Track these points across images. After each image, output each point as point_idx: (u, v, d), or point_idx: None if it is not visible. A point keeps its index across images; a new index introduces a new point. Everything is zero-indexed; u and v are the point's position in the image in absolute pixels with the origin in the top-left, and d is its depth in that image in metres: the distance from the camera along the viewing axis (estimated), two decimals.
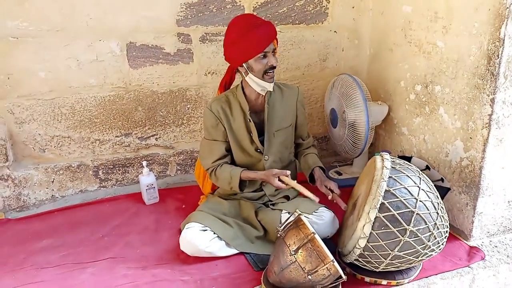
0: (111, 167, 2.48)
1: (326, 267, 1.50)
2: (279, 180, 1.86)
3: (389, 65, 2.44)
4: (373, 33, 2.60)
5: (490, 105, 1.77)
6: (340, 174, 2.58)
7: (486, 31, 1.73)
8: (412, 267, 1.73)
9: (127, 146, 2.49)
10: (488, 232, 1.99)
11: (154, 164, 2.55)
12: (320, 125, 2.80)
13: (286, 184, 1.85)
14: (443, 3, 1.95)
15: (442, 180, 2.04)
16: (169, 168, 2.59)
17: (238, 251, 1.88)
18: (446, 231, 1.66)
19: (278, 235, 1.62)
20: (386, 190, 1.54)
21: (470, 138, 1.89)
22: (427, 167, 2.13)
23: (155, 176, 2.54)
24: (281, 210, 1.95)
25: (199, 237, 1.80)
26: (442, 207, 1.64)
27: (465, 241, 1.97)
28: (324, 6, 2.54)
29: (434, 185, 1.90)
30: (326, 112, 2.56)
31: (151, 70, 2.39)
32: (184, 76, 2.45)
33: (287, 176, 1.85)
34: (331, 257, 1.50)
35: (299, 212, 1.64)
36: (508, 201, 1.96)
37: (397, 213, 1.52)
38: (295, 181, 1.85)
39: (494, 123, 1.78)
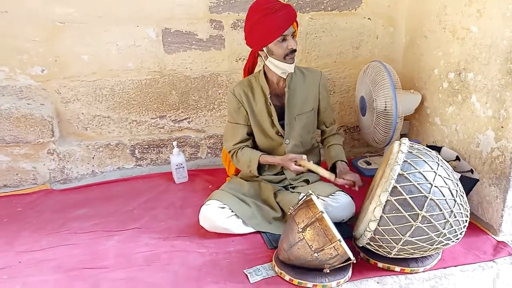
0: (146, 147, 2.63)
1: (333, 246, 1.51)
2: (296, 164, 1.88)
3: (424, 53, 2.37)
4: (409, 20, 2.52)
5: None
6: (369, 164, 2.55)
7: None
8: (429, 256, 1.69)
9: (162, 128, 2.62)
10: None
11: (186, 146, 2.66)
12: (352, 114, 2.77)
13: (304, 167, 1.87)
14: None
15: (472, 171, 1.96)
16: (200, 150, 2.69)
17: (254, 230, 1.93)
18: (466, 220, 1.60)
19: (289, 213, 1.65)
20: (399, 174, 1.52)
21: (502, 127, 1.80)
22: (457, 158, 2.05)
23: (187, 158, 2.66)
24: (300, 193, 1.97)
25: (216, 213, 1.87)
26: (461, 195, 1.58)
27: (493, 236, 1.88)
28: None
29: (463, 176, 1.84)
30: (356, 100, 2.53)
31: (185, 56, 2.49)
32: (216, 62, 2.53)
33: (303, 160, 1.87)
34: (338, 236, 1.50)
35: (311, 192, 1.65)
36: None
37: (410, 197, 1.49)
38: (311, 162, 1.87)
39: None
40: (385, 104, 2.22)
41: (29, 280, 1.65)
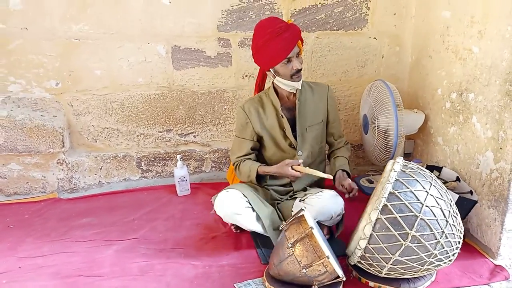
0: (153, 159, 2.69)
1: (322, 263, 1.51)
2: (292, 169, 1.90)
3: (429, 72, 2.37)
4: (415, 40, 2.54)
5: None
6: (371, 182, 2.53)
7: None
8: (422, 277, 1.66)
9: (168, 141, 2.68)
10: None
11: (191, 159, 2.72)
12: (357, 132, 2.77)
13: (300, 172, 1.89)
14: (480, 7, 1.88)
15: (471, 193, 1.93)
16: (205, 164, 2.74)
17: (261, 231, 1.93)
18: (458, 242, 1.58)
19: (280, 228, 1.66)
20: (390, 192, 1.52)
21: (500, 148, 1.77)
22: (458, 179, 2.03)
23: (191, 171, 2.72)
24: (295, 199, 1.99)
25: (236, 200, 1.89)
26: (454, 216, 1.56)
27: (491, 259, 1.84)
28: (364, 13, 2.54)
29: (461, 197, 1.82)
30: (360, 118, 2.54)
31: (193, 72, 2.57)
32: (223, 78, 2.60)
33: (299, 165, 1.89)
34: (326, 252, 1.50)
35: (303, 208, 1.66)
36: None
37: (400, 216, 1.49)
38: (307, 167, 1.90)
39: None
40: (386, 123, 2.23)
41: (28, 284, 1.71)
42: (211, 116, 2.66)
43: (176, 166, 2.51)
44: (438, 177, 2.08)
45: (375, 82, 2.38)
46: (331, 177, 1.91)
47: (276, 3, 2.47)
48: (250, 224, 1.92)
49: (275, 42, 1.85)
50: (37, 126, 2.46)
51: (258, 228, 1.93)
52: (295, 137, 2.04)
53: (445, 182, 2.03)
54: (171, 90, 2.59)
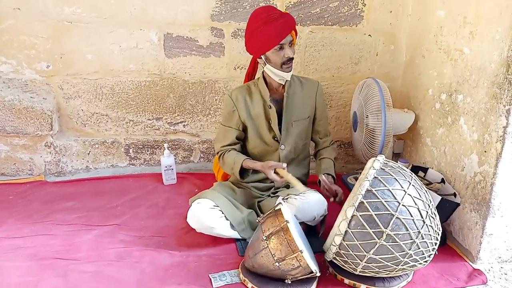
0: (141, 147, 2.69)
1: (295, 257, 1.50)
2: (275, 172, 1.88)
3: (422, 72, 2.35)
4: (410, 39, 2.51)
5: (505, 116, 1.64)
6: None
7: (507, 36, 1.62)
8: (398, 277, 1.66)
9: (157, 130, 2.67)
10: (500, 257, 1.83)
11: (180, 149, 2.71)
12: (348, 130, 2.75)
13: (281, 177, 1.87)
14: (473, 8, 1.85)
15: (454, 195, 1.91)
16: (193, 154, 2.73)
17: (239, 236, 1.92)
18: (435, 243, 1.57)
19: (257, 221, 1.65)
20: (367, 190, 1.51)
21: (485, 151, 1.76)
22: (443, 181, 2.01)
23: (179, 160, 2.71)
24: (278, 197, 1.98)
25: (207, 213, 1.84)
26: (432, 217, 1.55)
27: (470, 263, 1.83)
28: (360, 9, 2.51)
29: (443, 199, 1.81)
30: (351, 116, 2.52)
31: (184, 61, 2.55)
32: (215, 68, 2.58)
33: (283, 168, 1.87)
34: (300, 247, 1.50)
35: (280, 201, 1.66)
36: None
37: (375, 214, 1.48)
38: (291, 174, 1.87)
39: (510, 136, 1.65)
40: (374, 122, 2.21)
41: (3, 264, 1.71)
42: (201, 106, 2.64)
43: (162, 154, 2.50)
44: (423, 178, 2.06)
45: (366, 80, 2.36)
46: (306, 190, 1.87)
47: None
48: (226, 232, 1.89)
49: (268, 27, 1.83)
50: (26, 108, 2.46)
51: (235, 235, 1.91)
52: (279, 130, 2.02)
53: (429, 183, 2.01)
54: (162, 78, 2.58)
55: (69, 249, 1.83)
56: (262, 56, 1.94)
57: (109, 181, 2.54)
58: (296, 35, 1.98)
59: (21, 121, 2.47)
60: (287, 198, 1.91)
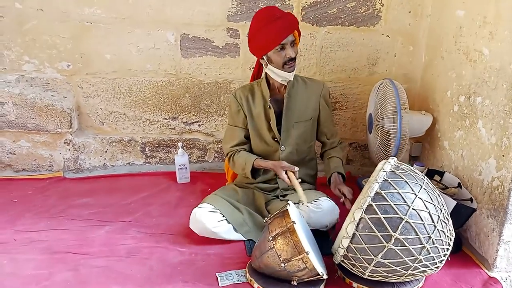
0: (157, 145, 2.72)
1: (301, 258, 1.49)
2: (286, 173, 1.87)
3: (440, 74, 2.29)
4: (429, 40, 2.45)
5: None
6: None
7: None
8: (408, 282, 1.61)
9: (173, 129, 2.70)
10: None
11: (194, 148, 2.73)
12: (364, 132, 2.70)
13: (290, 180, 1.86)
14: (493, 7, 1.79)
15: (471, 200, 1.85)
16: (208, 154, 2.75)
17: (243, 238, 1.92)
18: (447, 249, 1.52)
19: (264, 221, 1.64)
20: (377, 193, 1.48)
21: (503, 156, 1.69)
22: (459, 185, 1.95)
23: (194, 160, 2.73)
24: (287, 201, 1.96)
25: (207, 217, 1.87)
26: (444, 222, 1.51)
27: (486, 271, 1.76)
28: (378, 9, 2.47)
29: (460, 204, 1.76)
30: (366, 117, 2.48)
31: (200, 61, 2.57)
32: (230, 69, 2.59)
33: (294, 172, 1.86)
34: (306, 248, 1.48)
35: (289, 202, 1.64)
36: None
37: (384, 217, 1.44)
38: (300, 180, 1.87)
39: None
40: (390, 124, 2.16)
41: (17, 257, 1.76)
42: (216, 106, 2.66)
43: (177, 153, 2.52)
44: (440, 182, 2.01)
45: (383, 81, 2.31)
46: (308, 205, 1.85)
47: None
48: (229, 235, 1.90)
49: (269, 27, 1.84)
50: (46, 106, 2.53)
51: (239, 237, 1.91)
52: (279, 131, 2.01)
53: (446, 188, 1.96)
54: (178, 78, 2.61)
55: (82, 244, 1.87)
56: (264, 57, 1.93)
57: (124, 178, 2.59)
58: (299, 34, 1.97)
59: (42, 119, 2.54)
60: (298, 204, 1.88)
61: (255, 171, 2.03)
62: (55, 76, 2.58)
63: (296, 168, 1.88)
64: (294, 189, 2.04)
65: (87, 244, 1.87)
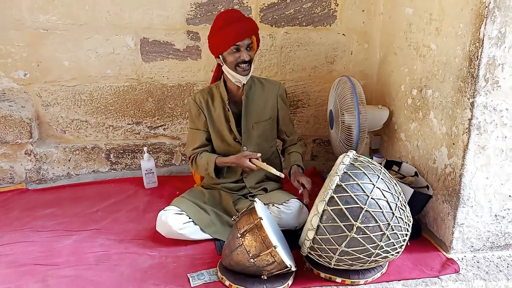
0: (122, 151, 2.70)
1: (270, 253, 1.53)
2: (250, 161, 1.92)
3: (394, 69, 2.40)
4: (383, 37, 2.56)
5: (469, 109, 1.69)
6: None
7: (469, 31, 1.67)
8: (372, 269, 1.69)
9: (137, 134, 2.69)
10: (472, 246, 1.87)
11: (161, 152, 2.73)
12: (326, 128, 2.79)
13: (257, 166, 1.91)
14: (437, 4, 1.90)
15: (427, 187, 1.96)
16: (174, 157, 2.75)
17: (211, 237, 1.95)
18: (405, 234, 1.61)
19: (233, 219, 1.68)
20: (337, 185, 1.54)
21: (453, 144, 1.81)
22: (416, 174, 2.06)
23: (161, 164, 2.73)
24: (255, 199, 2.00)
25: (173, 219, 1.90)
26: (402, 209, 1.59)
27: (444, 253, 1.87)
28: (333, 9, 2.56)
29: (416, 192, 1.85)
30: (327, 114, 2.56)
31: (162, 65, 2.57)
32: (192, 71, 2.60)
33: (257, 158, 1.91)
34: (274, 243, 1.53)
35: (255, 200, 1.69)
36: (495, 215, 1.84)
37: (345, 208, 1.51)
38: (265, 163, 1.93)
39: (475, 128, 1.70)
40: (349, 119, 2.25)
41: None
42: (180, 109, 2.67)
43: (142, 158, 2.51)
44: (398, 172, 2.11)
45: (340, 78, 2.40)
46: (283, 175, 1.95)
47: None
48: (196, 235, 1.93)
49: (228, 28, 1.89)
50: (4, 116, 2.46)
51: (207, 236, 1.95)
52: (239, 132, 2.06)
53: (403, 177, 2.06)
54: (140, 83, 2.60)
55: (49, 255, 1.84)
56: (220, 56, 1.97)
57: (90, 186, 2.55)
58: (258, 41, 2.03)
59: (0, 130, 2.46)
60: (268, 205, 1.93)
61: (219, 170, 2.06)
62: (11, 86, 2.51)
63: (259, 154, 1.93)
64: (264, 189, 2.10)
65: (54, 255, 1.84)
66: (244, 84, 2.00)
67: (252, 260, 1.55)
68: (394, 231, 1.55)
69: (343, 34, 2.61)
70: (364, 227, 1.51)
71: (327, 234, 1.53)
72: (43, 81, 2.53)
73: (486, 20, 1.57)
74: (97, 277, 1.69)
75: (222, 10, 2.47)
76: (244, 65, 1.93)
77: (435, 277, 1.73)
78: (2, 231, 2.05)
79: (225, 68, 1.97)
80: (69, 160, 2.66)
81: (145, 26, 2.49)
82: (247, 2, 2.49)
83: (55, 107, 2.58)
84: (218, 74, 2.16)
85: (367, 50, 2.65)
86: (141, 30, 2.50)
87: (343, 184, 1.54)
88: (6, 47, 2.43)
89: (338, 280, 1.67)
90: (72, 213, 2.21)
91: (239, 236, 1.57)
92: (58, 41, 2.46)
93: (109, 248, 1.89)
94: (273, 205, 1.93)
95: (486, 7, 1.56)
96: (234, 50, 1.91)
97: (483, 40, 1.60)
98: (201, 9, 2.49)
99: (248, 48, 1.93)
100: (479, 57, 1.62)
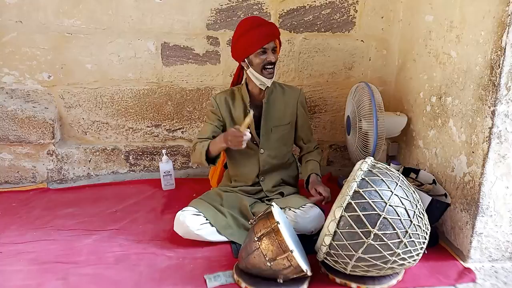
0: (140, 153, 2.75)
1: (286, 257, 1.54)
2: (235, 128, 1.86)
3: (413, 76, 2.39)
4: (401, 44, 2.56)
5: (490, 117, 1.68)
6: None
7: (490, 39, 1.66)
8: (388, 276, 1.69)
9: (156, 136, 2.73)
10: (490, 256, 1.85)
11: (178, 155, 2.76)
12: (343, 134, 2.79)
13: (240, 130, 1.82)
14: (458, 12, 1.90)
15: (445, 195, 1.95)
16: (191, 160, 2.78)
17: (227, 239, 1.97)
18: (423, 242, 1.60)
19: (250, 223, 1.70)
20: (355, 191, 1.55)
21: (473, 152, 1.79)
22: (434, 182, 2.04)
23: (178, 166, 2.77)
24: (272, 202, 2.02)
25: (191, 220, 1.93)
26: (420, 217, 1.59)
27: (461, 262, 1.86)
28: (352, 15, 2.56)
29: (434, 200, 1.84)
30: (345, 120, 2.57)
31: (182, 69, 2.62)
32: (211, 76, 2.64)
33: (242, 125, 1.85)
34: (291, 247, 1.54)
35: (273, 204, 1.70)
36: None
37: (363, 214, 1.52)
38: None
39: (495, 137, 1.68)
40: (367, 125, 2.25)
41: (5, 269, 1.76)
42: (199, 112, 2.70)
43: (161, 160, 2.55)
44: (415, 180, 2.10)
45: (358, 84, 2.40)
46: (248, 135, 1.81)
47: (264, 3, 2.51)
48: (213, 237, 1.94)
49: (254, 32, 1.94)
50: (28, 117, 2.53)
51: (223, 238, 1.96)
52: (258, 134, 2.08)
53: (421, 185, 2.05)
54: (160, 86, 2.64)
55: (69, 254, 1.88)
56: (245, 60, 2.00)
57: (109, 187, 2.60)
58: (280, 45, 2.07)
59: (24, 130, 2.54)
60: (284, 210, 1.95)
61: (213, 158, 2.04)
62: (36, 87, 2.58)
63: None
64: (281, 193, 2.11)
65: (74, 254, 1.88)
66: (267, 87, 2.02)
67: (268, 264, 1.56)
68: (411, 239, 1.55)
69: (362, 41, 2.62)
70: (381, 234, 1.51)
71: (344, 240, 1.54)
72: (66, 83, 2.60)
73: (508, 28, 1.57)
74: (116, 276, 1.72)
75: (241, 16, 2.52)
76: (270, 67, 1.96)
77: (452, 285, 1.71)
78: (25, 229, 2.10)
79: (250, 71, 2.00)
80: (90, 161, 2.71)
81: (166, 31, 2.54)
82: (266, 8, 2.52)
83: (77, 108, 2.64)
84: (239, 79, 2.19)
85: (386, 56, 2.65)
86: (162, 35, 2.55)
87: (361, 190, 1.54)
88: (32, 50, 2.51)
89: (354, 286, 1.67)
90: (91, 213, 2.26)
91: (256, 239, 1.59)
92: (82, 45, 2.53)
93: (128, 249, 1.92)
94: (290, 209, 1.95)
95: (509, 15, 1.56)
96: (261, 52, 1.94)
97: (505, 49, 1.59)
98: (221, 15, 2.52)
99: (273, 51, 1.97)
100: (500, 65, 1.61)
